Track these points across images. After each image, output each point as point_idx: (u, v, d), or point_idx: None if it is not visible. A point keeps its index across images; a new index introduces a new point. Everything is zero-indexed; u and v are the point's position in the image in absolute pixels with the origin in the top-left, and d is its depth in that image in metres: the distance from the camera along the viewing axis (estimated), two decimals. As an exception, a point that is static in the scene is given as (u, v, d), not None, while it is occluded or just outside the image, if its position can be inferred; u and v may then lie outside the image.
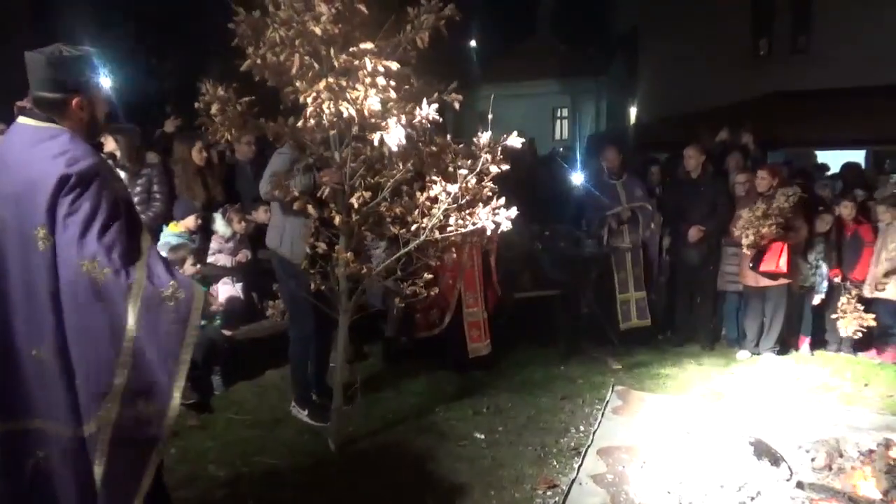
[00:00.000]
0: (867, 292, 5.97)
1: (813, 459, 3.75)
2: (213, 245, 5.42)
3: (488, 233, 3.83)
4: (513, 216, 3.77)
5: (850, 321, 5.89)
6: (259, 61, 3.47)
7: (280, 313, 5.38)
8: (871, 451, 3.65)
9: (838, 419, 4.61)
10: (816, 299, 6.15)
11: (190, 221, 5.20)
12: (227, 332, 5.17)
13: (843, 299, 5.98)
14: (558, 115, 26.06)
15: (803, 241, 5.99)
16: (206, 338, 4.87)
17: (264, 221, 5.65)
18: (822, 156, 10.20)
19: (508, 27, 24.77)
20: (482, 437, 4.35)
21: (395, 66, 3.41)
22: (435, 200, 3.73)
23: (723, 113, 10.18)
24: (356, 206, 3.77)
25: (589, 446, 4.16)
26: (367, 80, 3.39)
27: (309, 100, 3.43)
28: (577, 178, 6.46)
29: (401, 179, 3.81)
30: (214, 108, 3.50)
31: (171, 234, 5.14)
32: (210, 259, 5.43)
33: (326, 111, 3.42)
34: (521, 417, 4.70)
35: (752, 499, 3.44)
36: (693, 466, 3.79)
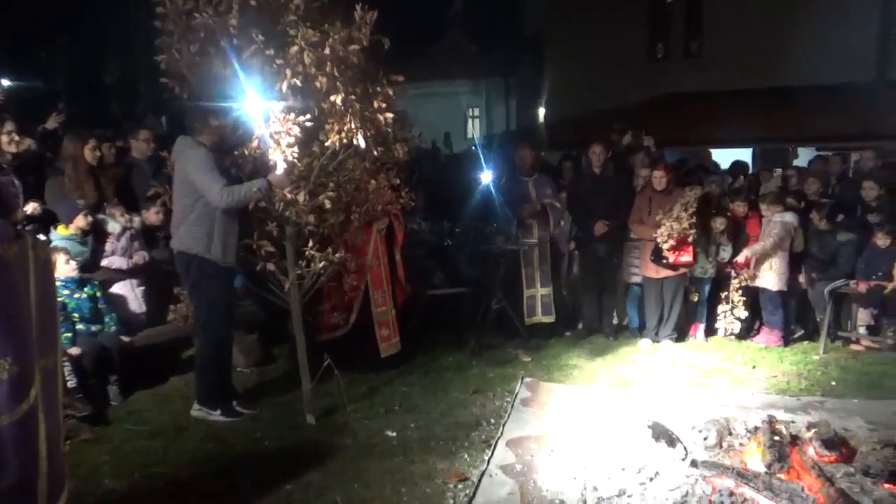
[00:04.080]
0: (750, 280, 6.40)
1: (705, 438, 3.95)
2: (108, 247, 5.12)
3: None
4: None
5: (730, 319, 6.40)
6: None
7: (182, 318, 5.17)
8: (756, 428, 3.88)
9: (729, 400, 4.89)
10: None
11: (80, 221, 4.90)
12: (125, 339, 4.90)
13: (728, 293, 6.40)
14: (471, 114, 26.35)
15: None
16: (98, 345, 4.60)
17: (154, 223, 5.42)
18: (714, 154, 10.79)
19: (419, 28, 24.78)
20: (394, 434, 4.34)
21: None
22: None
23: (624, 113, 10.58)
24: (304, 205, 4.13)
25: (499, 438, 4.22)
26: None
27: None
28: (489, 175, 6.54)
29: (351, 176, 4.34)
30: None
31: (61, 236, 4.83)
32: (104, 262, 5.13)
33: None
34: (433, 413, 4.71)
35: (651, 479, 3.58)
36: (597, 452, 3.93)
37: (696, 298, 6.52)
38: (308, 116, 3.93)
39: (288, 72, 3.80)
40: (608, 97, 13.07)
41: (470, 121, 26.42)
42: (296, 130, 3.91)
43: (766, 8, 12.22)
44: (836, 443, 3.72)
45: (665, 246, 5.99)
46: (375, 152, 4.23)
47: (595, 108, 12.73)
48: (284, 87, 3.82)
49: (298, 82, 3.83)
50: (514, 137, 13.58)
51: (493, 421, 4.56)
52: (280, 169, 3.99)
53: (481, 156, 7.81)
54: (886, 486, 3.41)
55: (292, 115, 3.88)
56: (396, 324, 5.70)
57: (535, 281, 6.55)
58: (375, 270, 5.54)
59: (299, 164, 4.08)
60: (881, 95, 10.55)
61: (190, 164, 4.18)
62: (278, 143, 3.93)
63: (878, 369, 5.62)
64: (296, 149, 3.97)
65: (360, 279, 5.47)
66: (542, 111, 18.66)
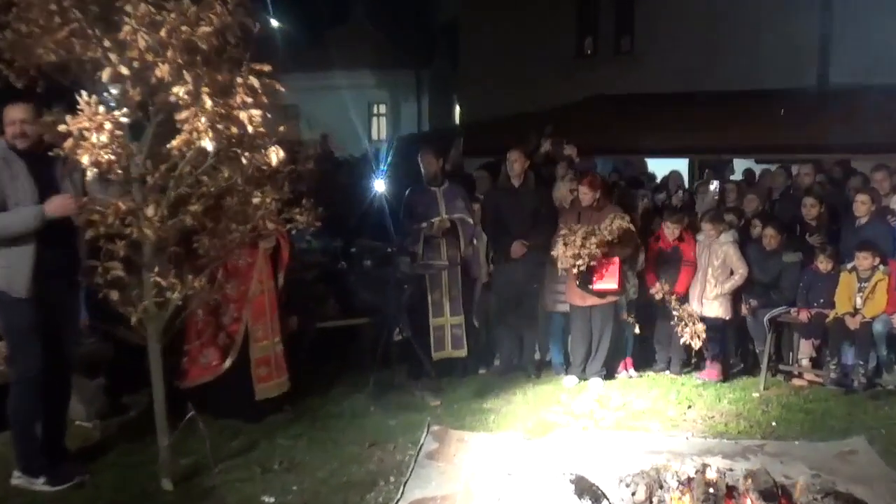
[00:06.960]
0: (696, 308, 6.59)
1: (633, 493, 4.02)
2: None
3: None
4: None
5: (689, 332, 6.43)
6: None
7: (3, 359, 4.82)
8: (689, 479, 3.99)
9: (661, 445, 5.03)
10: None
11: None
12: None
13: (675, 312, 6.51)
14: (375, 111, 26.34)
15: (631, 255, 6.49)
16: None
17: None
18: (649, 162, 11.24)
19: (317, 11, 24.62)
20: (271, 500, 4.20)
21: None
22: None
23: (549, 116, 10.82)
24: (156, 220, 3.93)
25: (398, 500, 4.16)
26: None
27: None
28: (383, 185, 6.51)
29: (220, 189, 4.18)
30: None
31: None
32: None
33: None
34: (321, 472, 4.60)
35: (573, 544, 3.60)
36: (512, 513, 3.92)
37: (631, 320, 6.66)
38: (125, 111, 3.76)
39: (113, 57, 3.64)
40: (530, 97, 13.38)
41: (375, 119, 26.41)
42: (109, 126, 3.67)
43: (702, 3, 12.87)
44: (774, 494, 3.88)
45: (575, 273, 6.11)
46: (243, 159, 4.05)
47: (515, 110, 12.98)
48: (106, 75, 3.66)
49: (125, 70, 3.67)
50: (422, 140, 13.62)
51: (392, 479, 4.48)
52: (90, 174, 3.82)
53: (382, 161, 7.78)
54: (827, 541, 3.57)
55: (102, 109, 3.66)
56: (283, 360, 5.57)
57: (444, 309, 6.54)
58: (258, 299, 5.40)
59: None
60: (823, 103, 11.29)
61: None
62: (86, 141, 3.67)
63: (820, 407, 5.94)
64: (110, 149, 3.74)
65: (242, 309, 5.32)
66: (457, 110, 18.92)
